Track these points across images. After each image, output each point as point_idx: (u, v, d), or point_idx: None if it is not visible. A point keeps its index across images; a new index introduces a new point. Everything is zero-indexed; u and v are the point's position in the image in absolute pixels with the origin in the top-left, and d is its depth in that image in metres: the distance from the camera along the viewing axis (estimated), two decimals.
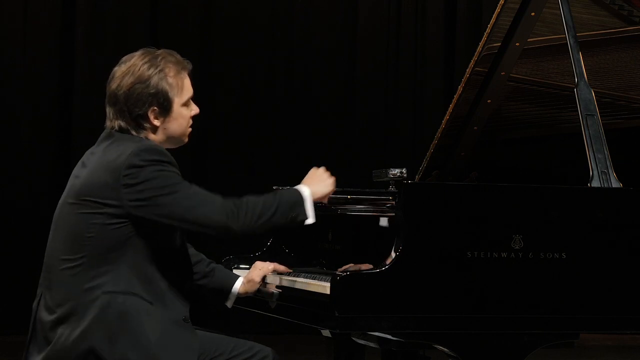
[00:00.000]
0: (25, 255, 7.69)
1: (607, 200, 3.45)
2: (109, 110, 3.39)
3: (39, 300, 3.34)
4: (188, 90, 3.43)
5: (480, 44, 4.08)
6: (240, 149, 8.35)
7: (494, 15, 4.01)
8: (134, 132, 3.35)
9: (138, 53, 3.42)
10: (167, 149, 3.37)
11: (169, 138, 3.40)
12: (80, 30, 8.16)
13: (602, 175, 3.50)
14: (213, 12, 8.39)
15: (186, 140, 3.46)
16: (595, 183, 3.50)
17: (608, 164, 3.52)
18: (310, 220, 3.38)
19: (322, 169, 3.52)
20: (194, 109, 3.45)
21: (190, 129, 3.47)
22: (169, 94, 3.37)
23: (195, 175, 8.19)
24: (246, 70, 8.41)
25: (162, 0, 8.34)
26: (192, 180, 3.34)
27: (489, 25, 4.04)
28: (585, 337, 3.45)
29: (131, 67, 3.37)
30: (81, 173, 3.35)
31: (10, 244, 7.89)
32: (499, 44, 4.10)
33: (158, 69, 3.37)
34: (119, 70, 3.38)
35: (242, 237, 3.31)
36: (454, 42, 8.64)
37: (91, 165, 3.34)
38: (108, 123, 3.39)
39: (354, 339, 3.93)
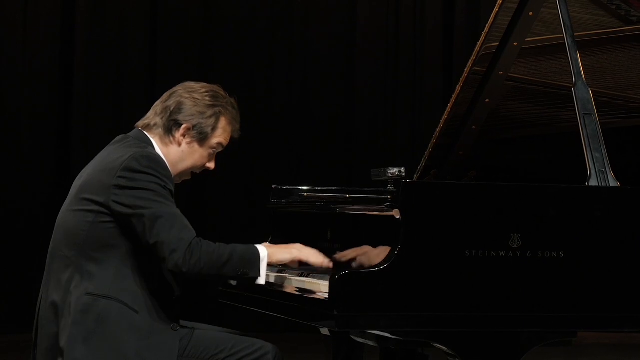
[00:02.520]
0: (25, 255, 7.70)
1: (605, 199, 3.45)
2: (154, 106, 3.46)
3: (41, 295, 3.37)
4: (224, 140, 3.50)
5: (479, 43, 4.08)
6: (241, 149, 8.33)
7: (492, 15, 4.01)
8: (160, 134, 3.39)
9: (205, 86, 3.50)
10: None
11: (179, 163, 3.44)
12: (80, 31, 8.17)
13: (600, 174, 3.50)
14: (213, 12, 8.40)
15: (180, 180, 3.50)
16: (592, 182, 3.50)
17: (606, 163, 3.52)
18: (261, 280, 3.34)
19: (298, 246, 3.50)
20: (212, 163, 3.51)
21: (190, 177, 3.52)
22: (211, 129, 3.44)
23: (195, 176, 8.19)
24: (246, 70, 8.42)
25: (162, 0, 8.34)
26: (192, 180, 3.34)
27: (487, 25, 4.04)
28: (583, 335, 3.45)
29: (193, 91, 3.47)
30: (85, 172, 3.38)
31: (10, 244, 7.90)
32: (497, 43, 4.10)
33: (217, 105, 3.46)
34: (182, 87, 3.48)
35: (191, 278, 3.29)
36: (453, 42, 8.64)
37: (94, 165, 3.37)
38: (145, 120, 3.44)
39: (352, 337, 3.94)
